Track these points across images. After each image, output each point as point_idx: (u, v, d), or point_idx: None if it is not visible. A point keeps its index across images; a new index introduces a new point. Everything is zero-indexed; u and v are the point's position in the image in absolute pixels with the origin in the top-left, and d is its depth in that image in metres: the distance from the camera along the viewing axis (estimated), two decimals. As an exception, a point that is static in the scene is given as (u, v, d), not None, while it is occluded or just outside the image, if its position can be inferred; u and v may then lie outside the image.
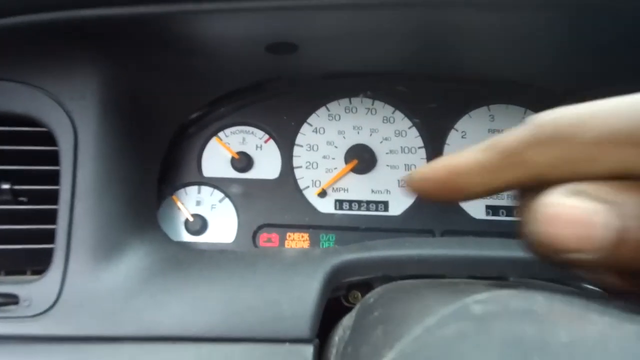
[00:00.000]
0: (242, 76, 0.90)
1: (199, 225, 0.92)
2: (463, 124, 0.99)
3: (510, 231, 0.96)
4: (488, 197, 0.96)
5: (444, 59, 0.91)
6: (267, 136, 0.97)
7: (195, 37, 0.73)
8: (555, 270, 0.34)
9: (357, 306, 0.57)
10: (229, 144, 0.96)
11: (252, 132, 0.97)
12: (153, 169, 0.83)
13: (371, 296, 0.57)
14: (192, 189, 0.94)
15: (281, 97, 0.98)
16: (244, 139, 0.97)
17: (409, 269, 0.67)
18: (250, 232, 0.93)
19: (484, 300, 0.34)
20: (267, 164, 0.96)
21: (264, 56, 0.82)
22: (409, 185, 0.40)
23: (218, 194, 0.94)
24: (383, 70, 0.96)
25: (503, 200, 0.97)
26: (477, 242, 0.75)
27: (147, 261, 0.65)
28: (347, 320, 0.55)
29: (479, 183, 0.35)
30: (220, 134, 0.97)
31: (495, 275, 0.65)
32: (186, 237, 0.92)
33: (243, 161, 0.94)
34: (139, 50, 0.74)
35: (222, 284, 0.62)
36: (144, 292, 0.61)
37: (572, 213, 0.28)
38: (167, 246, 0.72)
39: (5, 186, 0.68)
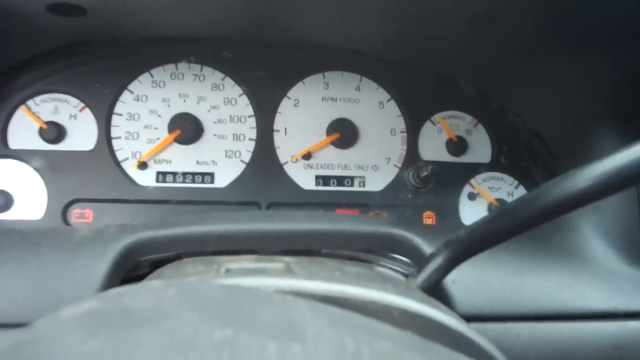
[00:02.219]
0: (34, 40, 0.82)
1: (2, 201, 0.85)
2: (296, 91, 0.96)
3: (341, 201, 0.95)
4: (318, 167, 0.95)
5: (273, 25, 0.86)
6: (82, 104, 0.90)
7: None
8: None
9: None
10: (38, 113, 0.88)
11: (66, 100, 0.90)
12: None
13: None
14: (-5, 163, 0.87)
15: (98, 63, 0.90)
16: (56, 108, 0.89)
17: (210, 245, 0.64)
18: (60, 208, 0.86)
19: None
20: (81, 134, 0.89)
21: (50, 18, 0.74)
22: None
23: (24, 167, 0.87)
24: (207, 36, 0.91)
25: (334, 170, 0.95)
26: (284, 216, 0.73)
27: None
28: None
29: None
30: (29, 102, 0.89)
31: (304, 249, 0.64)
32: (-12, 214, 0.85)
33: (53, 132, 0.87)
34: None
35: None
36: None
37: None
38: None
39: None
